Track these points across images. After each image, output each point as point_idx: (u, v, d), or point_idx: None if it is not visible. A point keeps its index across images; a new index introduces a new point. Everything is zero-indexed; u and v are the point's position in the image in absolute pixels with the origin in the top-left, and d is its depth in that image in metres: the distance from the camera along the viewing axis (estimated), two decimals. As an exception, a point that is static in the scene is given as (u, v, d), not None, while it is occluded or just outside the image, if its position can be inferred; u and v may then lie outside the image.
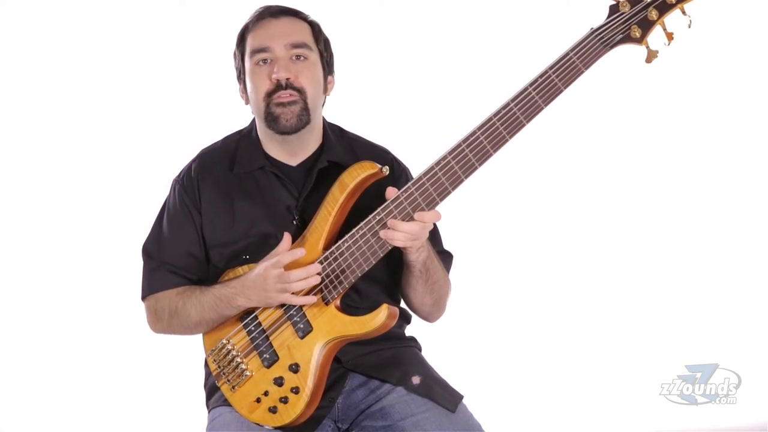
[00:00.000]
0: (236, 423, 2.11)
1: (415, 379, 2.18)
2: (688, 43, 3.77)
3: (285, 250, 2.05)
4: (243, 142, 2.27)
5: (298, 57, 2.17)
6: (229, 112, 2.56)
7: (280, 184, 2.21)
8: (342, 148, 2.26)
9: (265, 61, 2.17)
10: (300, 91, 2.15)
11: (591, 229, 3.92)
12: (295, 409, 2.07)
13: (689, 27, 1.99)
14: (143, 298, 2.26)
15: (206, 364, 2.27)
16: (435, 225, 2.32)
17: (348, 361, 2.19)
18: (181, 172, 2.28)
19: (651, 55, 2.01)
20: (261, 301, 2.08)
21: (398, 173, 2.29)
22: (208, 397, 2.27)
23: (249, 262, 2.16)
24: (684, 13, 1.98)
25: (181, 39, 3.83)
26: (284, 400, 2.08)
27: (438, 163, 2.01)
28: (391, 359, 2.23)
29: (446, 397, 2.16)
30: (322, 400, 2.14)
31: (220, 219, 2.20)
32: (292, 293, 2.05)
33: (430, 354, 2.35)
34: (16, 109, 3.83)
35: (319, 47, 2.23)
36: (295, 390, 2.07)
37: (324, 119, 2.30)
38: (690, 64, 3.88)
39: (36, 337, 3.81)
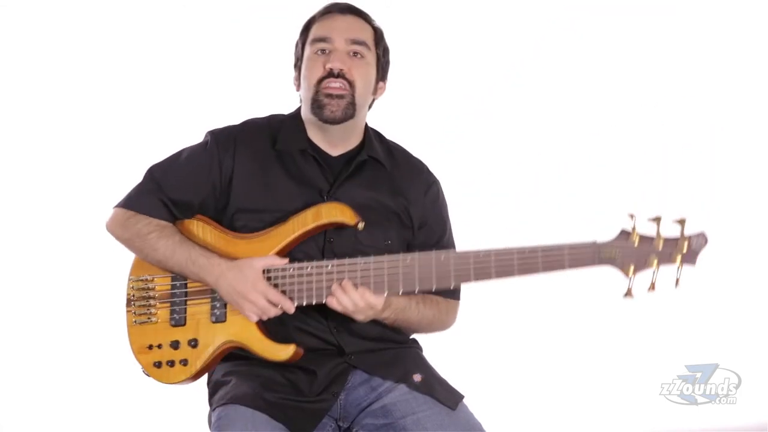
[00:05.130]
0: (241, 422, 2.11)
1: (417, 377, 2.20)
2: (689, 43, 3.83)
3: (281, 264, 2.12)
4: (288, 123, 2.30)
5: (355, 54, 2.23)
6: (229, 114, 2.55)
7: (318, 168, 2.25)
8: (381, 149, 2.33)
9: (323, 51, 2.23)
10: (351, 83, 2.20)
11: (591, 229, 3.91)
12: (176, 378, 2.19)
13: (676, 286, 2.01)
14: (121, 206, 2.26)
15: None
16: (452, 246, 2.37)
17: (351, 355, 2.21)
18: (220, 128, 2.30)
19: (630, 293, 2.02)
20: (227, 295, 2.13)
21: (428, 185, 2.34)
22: (211, 395, 2.27)
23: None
24: (679, 276, 2.01)
25: (181, 40, 3.83)
26: (171, 363, 2.18)
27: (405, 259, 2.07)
28: (393, 358, 2.24)
29: (447, 396, 2.18)
30: (325, 394, 2.17)
31: (253, 187, 2.22)
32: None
33: (430, 355, 2.36)
34: (16, 109, 3.83)
35: (377, 51, 2.29)
36: (184, 362, 2.18)
37: (366, 123, 2.35)
38: (691, 68, 3.90)
39: (36, 338, 3.81)
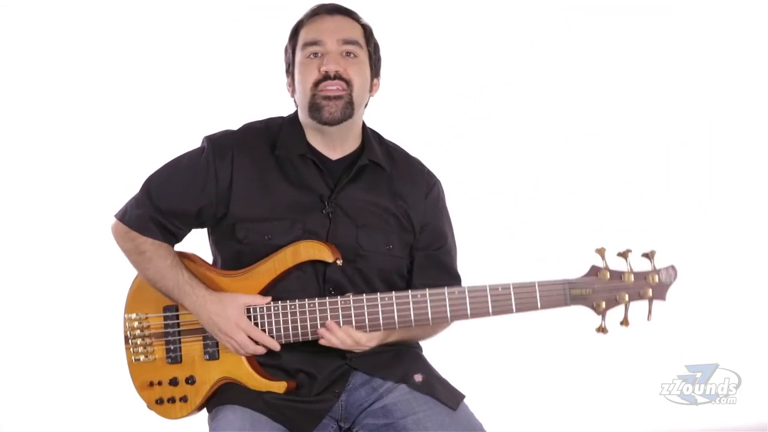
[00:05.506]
0: (239, 422, 2.11)
1: (417, 377, 2.20)
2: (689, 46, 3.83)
3: (262, 303, 2.16)
4: (286, 127, 2.28)
5: (348, 54, 2.21)
6: (229, 114, 2.56)
7: (318, 173, 2.23)
8: (381, 151, 2.31)
9: (316, 54, 2.21)
10: (348, 82, 2.19)
11: (591, 228, 3.92)
12: (178, 414, 2.24)
13: (648, 320, 2.06)
14: (118, 218, 2.26)
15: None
16: (454, 247, 2.37)
17: (351, 358, 2.22)
18: (217, 134, 2.28)
19: (600, 328, 2.08)
20: (208, 327, 2.18)
21: (429, 188, 2.33)
22: (210, 396, 2.27)
23: (271, 242, 2.18)
24: (650, 310, 2.05)
25: (181, 40, 3.83)
26: (171, 400, 2.23)
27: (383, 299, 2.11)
28: (393, 359, 2.25)
29: (448, 396, 2.19)
30: (325, 394, 2.19)
31: (252, 195, 2.21)
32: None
33: (431, 355, 2.36)
34: (15, 109, 3.83)
35: (369, 49, 2.27)
36: (184, 399, 2.22)
37: (364, 122, 2.33)
38: (689, 67, 3.90)
39: (36, 337, 3.81)
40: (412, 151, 2.40)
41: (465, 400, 2.21)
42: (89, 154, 3.83)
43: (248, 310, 2.16)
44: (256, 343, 2.16)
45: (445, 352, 2.51)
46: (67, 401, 3.78)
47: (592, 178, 3.92)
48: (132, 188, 3.75)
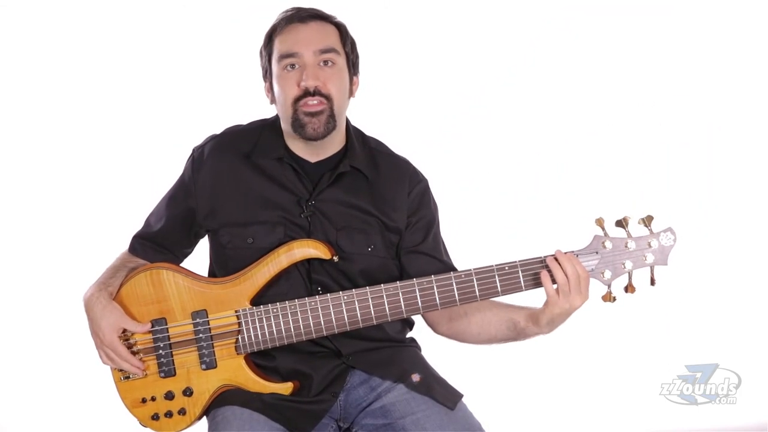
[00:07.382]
0: (238, 422, 2.12)
1: (415, 377, 2.20)
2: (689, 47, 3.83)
3: (138, 330, 2.18)
4: (266, 131, 2.28)
5: (326, 62, 2.18)
6: (228, 114, 2.56)
7: (296, 177, 2.22)
8: (364, 155, 2.28)
9: (293, 66, 2.18)
10: (327, 98, 2.16)
11: (591, 228, 3.91)
12: (176, 427, 2.19)
13: (652, 285, 2.07)
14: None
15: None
16: (441, 239, 2.35)
17: (348, 356, 2.22)
18: (199, 144, 2.31)
19: (608, 297, 2.10)
20: (90, 332, 2.21)
21: (413, 185, 2.29)
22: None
23: (253, 245, 2.19)
24: (653, 275, 2.06)
25: (182, 40, 3.83)
26: (169, 414, 2.19)
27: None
28: (390, 357, 2.25)
29: (446, 395, 2.19)
30: (324, 395, 2.19)
31: (232, 199, 2.22)
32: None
33: (428, 355, 2.36)
34: (16, 109, 3.84)
35: (346, 49, 2.23)
36: (182, 412, 2.18)
37: (348, 122, 2.31)
38: (689, 67, 3.90)
39: (36, 337, 3.82)
40: (412, 151, 2.39)
41: (463, 400, 2.21)
42: (88, 153, 3.83)
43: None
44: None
45: (443, 350, 2.52)
46: (66, 402, 3.78)
47: (592, 178, 3.91)
48: (131, 187, 3.77)
